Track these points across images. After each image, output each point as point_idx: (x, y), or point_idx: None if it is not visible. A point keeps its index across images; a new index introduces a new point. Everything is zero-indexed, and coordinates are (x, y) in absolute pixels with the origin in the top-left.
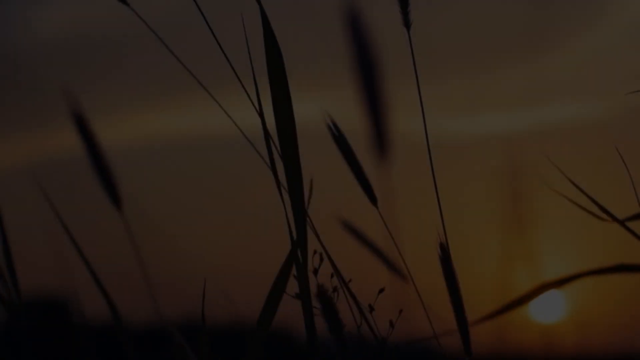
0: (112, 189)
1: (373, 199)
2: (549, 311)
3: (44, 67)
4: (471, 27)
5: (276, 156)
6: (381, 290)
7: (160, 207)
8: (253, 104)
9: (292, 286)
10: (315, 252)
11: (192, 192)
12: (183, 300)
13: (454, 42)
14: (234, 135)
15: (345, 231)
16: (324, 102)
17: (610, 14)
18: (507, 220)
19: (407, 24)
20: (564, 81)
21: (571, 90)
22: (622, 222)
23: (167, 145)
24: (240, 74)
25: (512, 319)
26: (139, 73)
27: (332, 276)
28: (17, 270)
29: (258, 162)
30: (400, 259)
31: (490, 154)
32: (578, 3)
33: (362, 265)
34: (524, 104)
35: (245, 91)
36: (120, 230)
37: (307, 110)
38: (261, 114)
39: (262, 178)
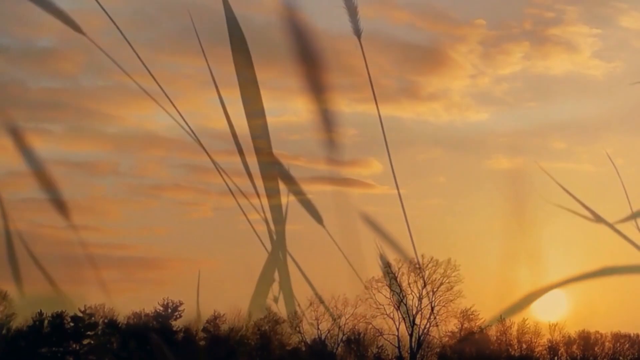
0: (57, 199)
1: (319, 220)
2: (550, 310)
3: None
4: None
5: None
6: None
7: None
8: (224, 108)
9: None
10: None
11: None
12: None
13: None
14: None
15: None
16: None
17: (613, 14)
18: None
19: (357, 33)
20: (566, 80)
21: (573, 89)
22: (611, 225)
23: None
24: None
25: (514, 318)
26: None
27: None
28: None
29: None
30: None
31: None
32: (580, 3)
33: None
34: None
35: (220, 96)
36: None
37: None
38: (227, 114)
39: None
